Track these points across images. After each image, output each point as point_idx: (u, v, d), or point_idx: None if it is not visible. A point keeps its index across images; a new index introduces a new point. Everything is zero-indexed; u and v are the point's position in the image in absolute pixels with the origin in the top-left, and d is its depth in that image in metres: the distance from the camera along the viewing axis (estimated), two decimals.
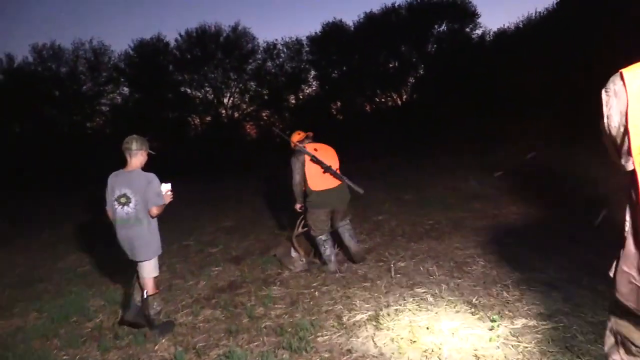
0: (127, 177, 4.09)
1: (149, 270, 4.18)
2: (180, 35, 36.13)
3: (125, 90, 38.13)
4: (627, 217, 1.56)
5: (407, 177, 12.72)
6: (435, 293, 4.38)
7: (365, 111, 36.62)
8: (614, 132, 1.52)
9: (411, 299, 4.32)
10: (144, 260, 4.16)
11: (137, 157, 4.12)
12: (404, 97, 36.41)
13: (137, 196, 4.02)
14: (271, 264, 5.92)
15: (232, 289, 5.22)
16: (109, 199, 4.15)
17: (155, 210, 4.05)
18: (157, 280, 4.32)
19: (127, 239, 4.12)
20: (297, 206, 5.57)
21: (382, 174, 13.25)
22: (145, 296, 4.18)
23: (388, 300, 4.36)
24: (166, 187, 4.18)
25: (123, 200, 4.06)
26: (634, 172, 1.45)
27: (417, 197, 9.70)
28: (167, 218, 11.03)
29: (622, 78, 1.46)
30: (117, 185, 4.10)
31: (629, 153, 1.46)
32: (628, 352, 1.66)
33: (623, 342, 1.67)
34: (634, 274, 1.53)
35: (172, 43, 36.55)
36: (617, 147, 1.53)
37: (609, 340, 1.73)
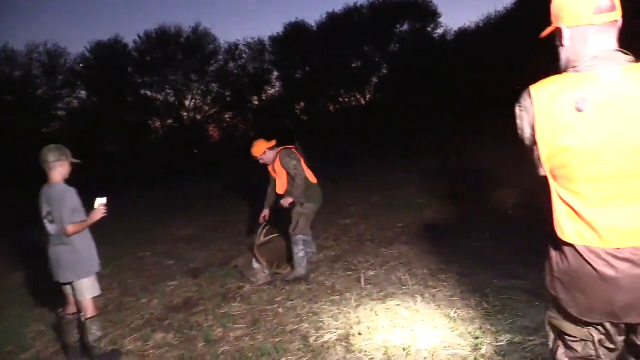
0: (47, 192, 3.61)
1: (84, 290, 3.66)
2: (140, 37, 35.13)
3: (83, 94, 36.82)
4: (548, 215, 1.68)
5: (373, 177, 12.43)
6: (410, 306, 4.02)
7: (329, 111, 36.37)
8: (527, 142, 1.68)
9: (384, 314, 3.95)
10: (73, 281, 3.66)
11: (57, 170, 3.60)
12: (368, 96, 36.33)
13: (57, 213, 3.53)
14: (232, 276, 5.47)
15: (188, 307, 4.75)
16: (42, 215, 3.66)
17: (70, 229, 3.52)
18: (96, 302, 3.79)
19: (53, 258, 3.63)
20: (288, 202, 5.18)
21: (348, 175, 12.92)
22: (83, 319, 3.67)
23: (359, 316, 3.97)
24: (100, 202, 3.68)
25: (50, 217, 3.57)
26: (545, 177, 1.65)
27: (385, 199, 9.40)
28: (124, 227, 10.60)
29: (529, 95, 1.62)
30: (41, 201, 3.62)
31: (540, 161, 1.63)
32: (566, 345, 1.77)
33: (559, 335, 1.79)
34: (557, 270, 1.70)
35: (131, 45, 35.47)
36: (531, 156, 1.68)
37: (550, 335, 1.85)
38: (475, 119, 20.99)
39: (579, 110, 1.50)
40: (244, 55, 36.51)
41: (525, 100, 1.64)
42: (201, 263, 6.46)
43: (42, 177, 3.64)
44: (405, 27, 34.49)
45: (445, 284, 4.41)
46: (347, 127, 28.90)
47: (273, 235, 5.66)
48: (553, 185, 1.62)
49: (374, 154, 17.37)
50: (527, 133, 1.65)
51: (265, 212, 5.47)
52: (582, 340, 1.71)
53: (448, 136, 17.92)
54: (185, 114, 38.01)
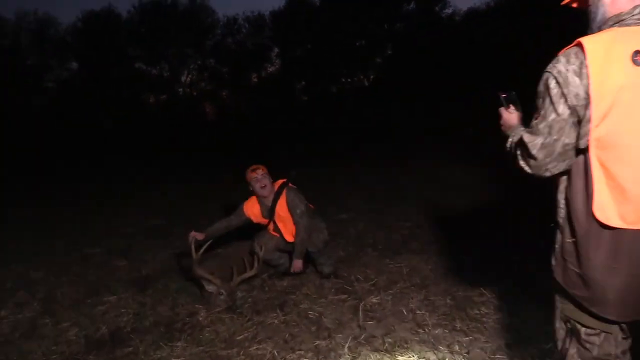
0: None
1: None
2: (134, 7, 33.69)
3: (75, 65, 35.50)
4: (562, 204, 1.58)
5: (374, 163, 11.04)
6: None
7: (330, 92, 34.88)
8: (567, 112, 1.47)
9: None
10: None
11: None
12: (371, 77, 34.81)
13: None
14: (186, 292, 4.14)
15: (116, 342, 3.38)
16: None
17: None
18: None
19: None
20: (299, 265, 4.26)
21: (346, 161, 11.53)
22: None
23: None
24: None
25: None
26: (587, 149, 1.45)
27: (388, 189, 8.05)
28: (85, 212, 9.22)
29: (583, 50, 1.43)
30: None
31: (588, 129, 1.43)
32: (579, 340, 1.62)
33: (573, 330, 1.64)
34: (574, 261, 1.55)
35: (125, 15, 34.00)
36: (576, 125, 1.47)
37: (560, 333, 1.69)
38: (484, 103, 19.55)
39: (637, 65, 1.37)
40: (243, 30, 35.04)
41: (575, 58, 1.45)
42: (157, 266, 5.11)
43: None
44: (412, 5, 32.89)
45: (480, 325, 3.05)
46: (348, 109, 27.54)
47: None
48: (596, 160, 1.44)
49: (375, 139, 15.91)
50: (574, 96, 1.44)
51: (197, 234, 4.22)
52: (603, 332, 1.57)
53: (457, 120, 16.51)
54: (180, 89, 36.63)
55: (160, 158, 17.97)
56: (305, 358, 2.88)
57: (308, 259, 4.35)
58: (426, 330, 3.03)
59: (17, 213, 9.19)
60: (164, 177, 12.63)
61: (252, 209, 4.39)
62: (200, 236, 4.17)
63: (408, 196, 7.30)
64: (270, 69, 35.44)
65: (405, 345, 2.88)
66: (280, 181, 4.36)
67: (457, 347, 2.81)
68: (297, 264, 4.18)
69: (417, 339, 2.95)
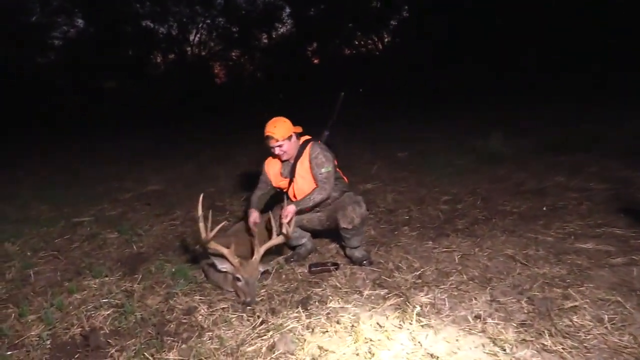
0: None
1: None
2: None
3: (80, 22, 34.30)
4: None
5: (393, 129, 10.14)
6: None
7: (343, 55, 33.54)
8: None
9: None
10: None
11: None
12: (386, 40, 33.38)
13: None
14: (186, 278, 3.32)
15: (88, 349, 2.57)
16: None
17: None
18: None
19: None
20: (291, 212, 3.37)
21: (366, 126, 10.62)
22: None
23: None
24: None
25: None
26: None
27: (416, 156, 7.20)
28: (78, 175, 8.39)
29: None
30: None
31: None
32: None
33: None
34: None
35: None
36: None
37: None
38: (511, 69, 18.45)
39: None
40: None
41: None
42: (152, 241, 4.32)
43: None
44: None
45: (578, 344, 2.22)
46: (362, 73, 26.38)
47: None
48: None
49: (391, 106, 14.89)
50: None
51: (255, 215, 3.46)
52: None
53: (481, 90, 15.46)
54: (189, 49, 35.50)
55: (167, 121, 17.13)
56: None
57: (341, 243, 3.56)
58: (507, 350, 2.21)
59: (10, 173, 8.47)
60: (167, 141, 11.80)
61: (272, 167, 3.58)
62: (257, 215, 3.44)
63: (436, 164, 6.44)
64: (282, 30, 34.07)
65: None
66: (307, 137, 3.51)
67: None
68: (289, 210, 3.31)
69: None
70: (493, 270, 3.10)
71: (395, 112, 13.15)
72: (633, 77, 12.34)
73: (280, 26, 34.63)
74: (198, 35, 34.79)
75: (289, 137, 3.33)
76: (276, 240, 3.25)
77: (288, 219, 3.25)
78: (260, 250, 3.09)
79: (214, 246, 3.04)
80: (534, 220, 4.03)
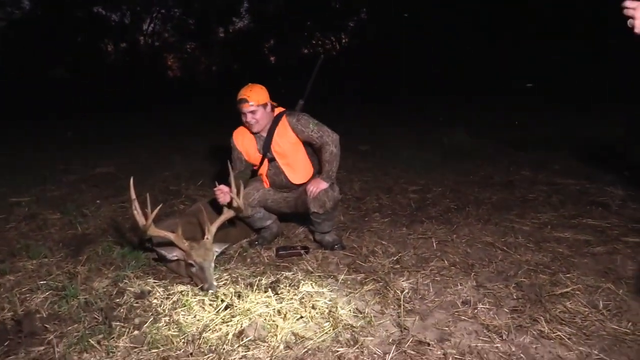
0: None
1: None
2: None
3: (26, 4, 32.48)
4: None
5: (351, 125, 9.93)
6: None
7: (301, 54, 33.29)
8: None
9: None
10: None
11: None
12: (344, 41, 33.43)
13: None
14: (138, 261, 2.96)
15: (21, 336, 2.18)
16: None
17: None
18: None
19: None
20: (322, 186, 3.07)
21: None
22: None
23: None
24: None
25: None
26: None
27: (378, 150, 7.01)
28: (23, 156, 7.71)
29: None
30: None
31: None
32: None
33: None
34: None
35: None
36: None
37: None
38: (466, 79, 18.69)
39: None
40: None
41: None
42: (98, 224, 3.90)
43: None
44: None
45: (577, 331, 2.05)
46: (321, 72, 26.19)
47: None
48: None
49: (349, 101, 14.72)
50: None
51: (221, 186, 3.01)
52: None
53: (441, 90, 15.54)
54: (142, 37, 34.39)
55: (118, 109, 16.32)
56: None
57: (310, 227, 3.30)
58: (503, 336, 2.00)
59: None
60: (119, 130, 11.15)
61: (242, 141, 3.23)
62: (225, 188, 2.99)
63: (401, 158, 6.29)
64: (239, 24, 33.52)
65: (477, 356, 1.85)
66: (280, 109, 3.21)
67: None
68: (321, 184, 3.03)
69: (494, 350, 1.92)
70: (474, 256, 2.92)
71: (352, 110, 12.96)
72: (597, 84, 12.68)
73: (237, 20, 34.09)
74: (152, 25, 33.76)
75: (264, 105, 3.02)
76: (227, 214, 2.93)
77: (320, 189, 3.00)
78: (211, 229, 2.77)
79: (156, 232, 2.69)
80: (507, 210, 3.90)
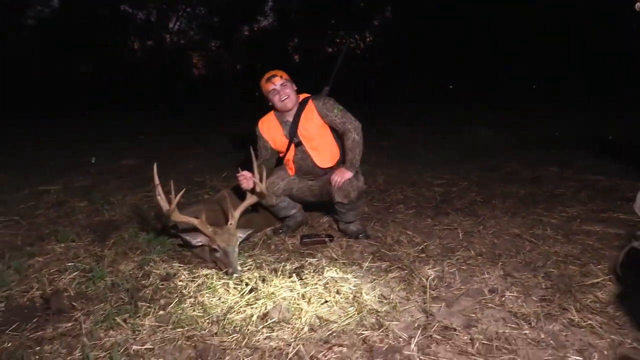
0: None
1: None
2: None
3: (55, 2, 33.15)
4: None
5: (373, 122, 9.89)
6: None
7: (326, 52, 33.27)
8: None
9: None
10: None
11: None
12: (368, 39, 33.30)
13: None
14: (164, 246, 2.99)
15: (49, 312, 2.23)
16: None
17: None
18: None
19: None
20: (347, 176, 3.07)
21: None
22: None
23: None
24: None
25: None
26: None
27: (401, 146, 6.97)
28: (50, 148, 7.86)
29: None
30: None
31: None
32: None
33: None
34: None
35: None
36: None
37: None
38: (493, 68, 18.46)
39: None
40: None
41: None
42: (124, 212, 3.95)
43: None
44: None
45: (609, 320, 2.00)
46: (345, 72, 26.15)
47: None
48: None
49: (369, 103, 14.67)
50: None
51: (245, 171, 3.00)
52: None
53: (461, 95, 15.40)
54: (167, 35, 34.81)
55: (143, 106, 16.57)
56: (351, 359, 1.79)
57: (334, 216, 3.29)
58: (532, 324, 1.96)
59: None
60: (144, 126, 11.29)
61: (268, 129, 3.23)
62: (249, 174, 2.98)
63: (423, 154, 6.26)
64: (263, 23, 33.67)
65: (508, 347, 1.81)
66: (305, 94, 3.21)
67: (596, 356, 1.75)
68: (346, 173, 3.03)
69: (522, 337, 1.88)
70: (501, 247, 2.87)
71: (375, 108, 12.90)
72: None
73: (262, 19, 34.24)
74: (177, 24, 34.15)
75: (292, 82, 3.08)
76: (250, 200, 2.94)
77: (345, 180, 3.00)
78: (235, 215, 2.78)
79: (180, 218, 2.71)
80: (534, 204, 3.83)
